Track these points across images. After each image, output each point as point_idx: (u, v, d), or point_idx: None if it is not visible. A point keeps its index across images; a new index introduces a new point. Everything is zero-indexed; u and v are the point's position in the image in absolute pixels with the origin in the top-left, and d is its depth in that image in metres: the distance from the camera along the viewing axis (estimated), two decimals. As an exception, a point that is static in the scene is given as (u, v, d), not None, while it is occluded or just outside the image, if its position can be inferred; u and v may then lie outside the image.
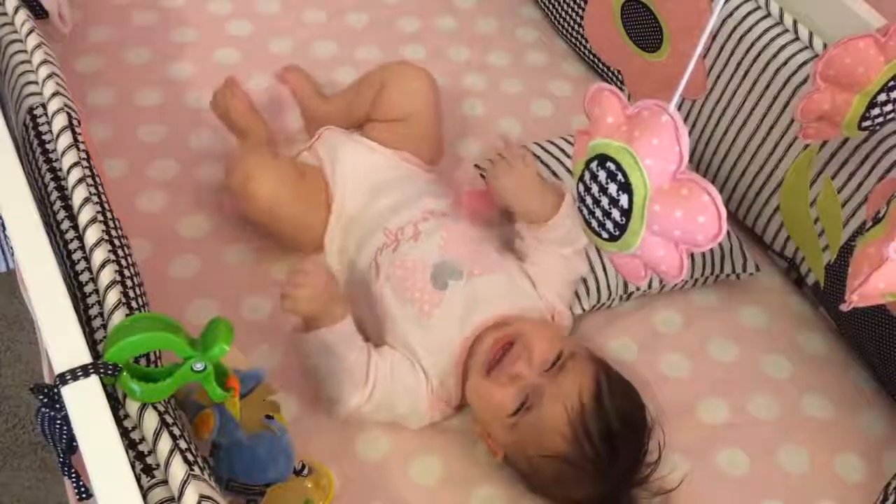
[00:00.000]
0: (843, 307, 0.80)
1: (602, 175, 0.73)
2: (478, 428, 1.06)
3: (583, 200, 0.78)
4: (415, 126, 1.24)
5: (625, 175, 0.71)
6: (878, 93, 0.94)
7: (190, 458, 0.73)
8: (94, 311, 0.80)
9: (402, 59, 1.41)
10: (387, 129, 1.24)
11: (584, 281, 1.17)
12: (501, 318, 1.07)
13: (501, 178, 1.12)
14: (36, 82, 0.98)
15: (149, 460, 0.71)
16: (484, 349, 1.05)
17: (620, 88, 1.45)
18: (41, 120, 0.95)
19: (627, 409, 1.01)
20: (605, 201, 0.74)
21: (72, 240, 0.85)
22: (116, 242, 0.88)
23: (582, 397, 0.98)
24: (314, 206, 1.19)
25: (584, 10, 1.49)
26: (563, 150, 1.28)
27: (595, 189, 0.75)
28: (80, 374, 0.70)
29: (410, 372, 1.06)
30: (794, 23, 1.19)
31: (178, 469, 0.69)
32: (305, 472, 0.94)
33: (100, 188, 0.92)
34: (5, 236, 0.83)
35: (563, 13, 1.55)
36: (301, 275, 1.02)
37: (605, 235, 0.76)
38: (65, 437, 0.72)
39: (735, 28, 1.24)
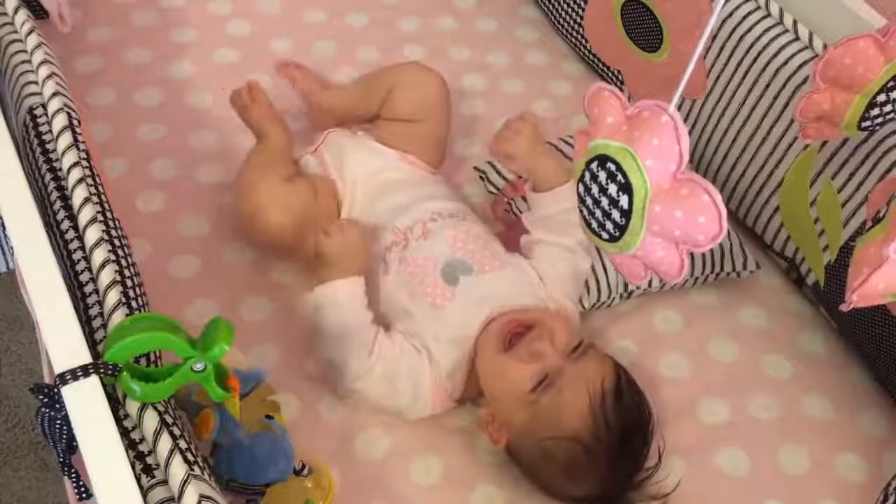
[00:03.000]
0: (843, 307, 0.80)
1: (602, 175, 0.73)
2: (483, 412, 1.05)
3: (583, 201, 0.78)
4: (422, 128, 1.24)
5: (625, 175, 0.71)
6: (878, 93, 0.94)
7: (190, 458, 0.73)
8: (94, 311, 0.80)
9: (415, 61, 1.40)
10: (393, 129, 1.24)
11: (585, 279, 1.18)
12: (515, 308, 1.08)
13: (513, 138, 1.14)
14: (36, 82, 0.98)
15: (149, 460, 0.71)
16: (497, 328, 1.05)
17: (620, 88, 1.44)
18: (41, 120, 0.95)
19: (643, 401, 1.03)
20: (605, 202, 0.74)
21: (72, 240, 0.85)
22: (116, 242, 0.88)
23: (605, 382, 0.99)
24: (324, 221, 1.17)
25: (584, 10, 1.49)
26: (562, 151, 1.28)
27: (595, 189, 0.75)
28: (80, 374, 0.70)
29: (416, 356, 1.06)
30: (794, 23, 1.19)
31: (178, 469, 0.69)
32: (305, 472, 0.94)
33: (100, 188, 0.92)
34: (5, 236, 0.83)
35: (563, 13, 1.55)
36: (335, 227, 1.09)
37: (605, 236, 0.76)
38: (65, 437, 0.73)
39: (735, 28, 1.24)
